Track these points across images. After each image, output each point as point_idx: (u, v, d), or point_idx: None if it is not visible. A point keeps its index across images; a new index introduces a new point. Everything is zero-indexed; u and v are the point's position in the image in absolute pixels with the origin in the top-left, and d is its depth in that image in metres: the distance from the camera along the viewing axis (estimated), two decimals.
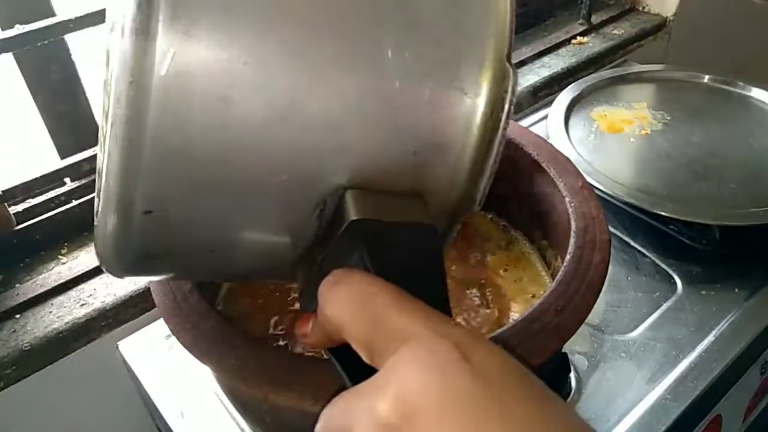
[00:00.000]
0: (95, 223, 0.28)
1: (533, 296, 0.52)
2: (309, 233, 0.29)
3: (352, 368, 0.27)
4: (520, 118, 0.89)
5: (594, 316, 0.59)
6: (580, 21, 1.05)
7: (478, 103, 0.27)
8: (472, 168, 0.29)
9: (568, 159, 0.53)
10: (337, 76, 0.26)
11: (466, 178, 0.29)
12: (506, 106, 0.28)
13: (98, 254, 0.29)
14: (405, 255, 0.27)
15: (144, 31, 0.23)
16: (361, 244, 0.27)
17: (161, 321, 0.55)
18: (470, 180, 0.29)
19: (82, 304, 0.59)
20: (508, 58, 0.28)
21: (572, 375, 0.54)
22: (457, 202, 0.30)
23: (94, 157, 0.66)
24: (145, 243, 0.28)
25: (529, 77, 0.93)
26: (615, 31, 1.04)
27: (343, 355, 0.27)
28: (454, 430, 0.21)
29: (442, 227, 0.31)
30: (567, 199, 0.49)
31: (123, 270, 0.30)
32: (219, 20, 0.24)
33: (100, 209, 0.27)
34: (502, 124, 0.28)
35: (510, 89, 0.28)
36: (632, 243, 0.68)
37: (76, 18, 0.58)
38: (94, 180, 0.66)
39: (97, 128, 0.71)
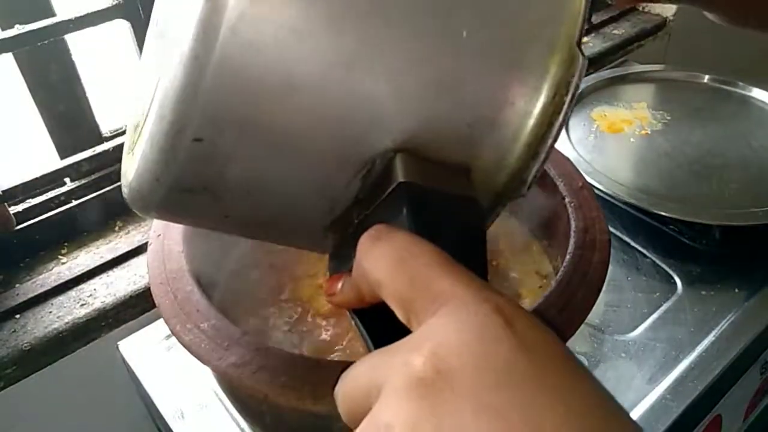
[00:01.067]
0: (131, 154, 0.28)
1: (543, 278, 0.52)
2: (350, 193, 0.29)
3: (377, 332, 0.27)
4: None
5: (594, 316, 0.59)
6: None
7: (543, 85, 0.27)
8: (526, 150, 0.28)
9: (567, 159, 0.53)
10: (406, 39, 0.25)
11: (517, 160, 0.28)
12: (571, 91, 0.27)
13: (131, 187, 0.28)
14: (449, 223, 0.27)
15: None
16: (407, 206, 0.26)
17: (161, 321, 0.55)
18: (522, 162, 0.28)
19: (82, 304, 0.59)
20: (579, 44, 0.27)
21: None
22: (504, 182, 0.29)
23: (94, 157, 0.66)
24: (186, 173, 0.27)
25: None
26: (615, 31, 1.04)
27: (370, 318, 0.27)
28: (490, 392, 0.20)
29: (486, 205, 0.30)
30: (567, 200, 0.49)
31: (154, 204, 0.29)
32: None
33: (144, 138, 0.27)
34: (564, 108, 0.27)
35: (577, 74, 0.27)
36: (632, 243, 0.68)
37: (76, 18, 0.58)
38: (94, 180, 0.67)
39: (97, 128, 0.71)
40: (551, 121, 0.28)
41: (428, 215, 0.26)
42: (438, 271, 0.24)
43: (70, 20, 0.57)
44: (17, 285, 0.61)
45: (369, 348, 0.27)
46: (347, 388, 0.25)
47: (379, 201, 0.27)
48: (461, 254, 0.25)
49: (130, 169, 0.28)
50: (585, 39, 1.02)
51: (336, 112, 0.26)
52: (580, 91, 0.28)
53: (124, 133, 0.70)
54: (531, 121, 0.27)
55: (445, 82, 0.26)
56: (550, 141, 0.28)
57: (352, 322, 0.29)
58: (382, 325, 0.25)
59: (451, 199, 0.27)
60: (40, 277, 0.62)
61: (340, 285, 0.28)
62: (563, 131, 0.75)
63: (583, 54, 0.27)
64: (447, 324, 0.22)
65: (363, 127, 0.27)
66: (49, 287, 0.60)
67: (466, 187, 0.28)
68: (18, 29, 0.56)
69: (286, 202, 0.30)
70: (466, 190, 0.28)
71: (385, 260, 0.25)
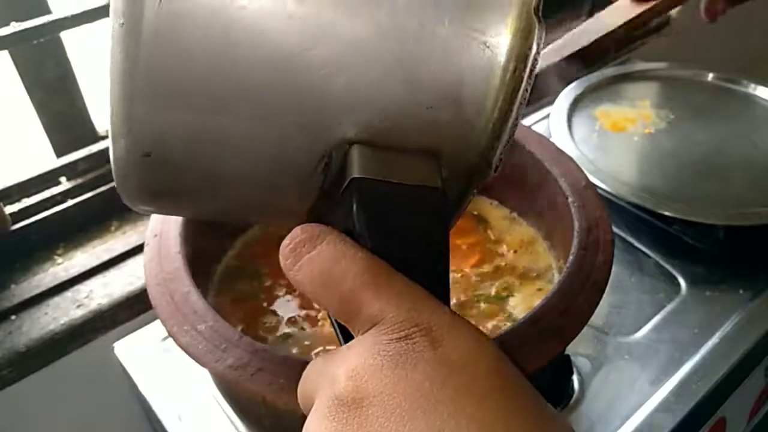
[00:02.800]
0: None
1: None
2: (314, 186, 0.28)
3: (345, 328, 0.26)
4: (522, 117, 0.88)
5: (597, 317, 0.59)
6: (583, 18, 1.04)
7: (500, 58, 0.25)
8: (489, 130, 0.27)
9: (570, 158, 0.53)
10: (348, 16, 0.24)
11: (482, 139, 0.27)
12: (529, 64, 0.26)
13: (116, 184, 0.29)
14: (406, 219, 0.26)
15: None
16: (357, 204, 0.25)
17: (158, 322, 0.55)
18: (487, 142, 0.27)
19: (78, 305, 0.59)
20: (536, 10, 0.26)
21: (575, 377, 0.54)
22: (471, 165, 0.28)
23: (90, 156, 0.65)
24: (148, 183, 0.27)
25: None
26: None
27: None
28: (401, 419, 0.20)
29: (454, 192, 0.29)
30: (570, 199, 0.48)
31: (133, 204, 0.29)
32: None
33: (110, 143, 0.27)
34: (524, 83, 0.26)
35: (534, 45, 0.25)
36: (636, 243, 0.67)
37: (72, 16, 0.57)
38: (90, 179, 0.67)
39: (93, 127, 0.71)
40: (512, 97, 0.26)
41: (380, 214, 0.25)
42: (367, 294, 0.23)
43: (65, 18, 0.57)
44: (12, 286, 0.60)
45: (338, 338, 0.27)
46: (300, 388, 0.25)
47: (337, 196, 0.26)
48: (417, 255, 0.25)
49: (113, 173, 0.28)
50: None
51: (283, 105, 0.25)
52: (536, 68, 0.26)
53: None
54: (491, 100, 0.26)
55: (395, 62, 0.25)
56: (512, 119, 0.27)
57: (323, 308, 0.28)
58: None
59: (410, 192, 0.26)
60: (36, 277, 0.61)
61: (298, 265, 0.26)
62: (566, 130, 0.75)
63: (540, 21, 0.25)
64: (370, 346, 0.22)
65: (313, 119, 0.26)
66: (45, 288, 0.60)
67: (432, 173, 0.27)
68: (14, 27, 0.55)
69: (257, 195, 0.29)
70: (430, 179, 0.26)
71: (309, 282, 0.24)
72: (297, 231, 0.25)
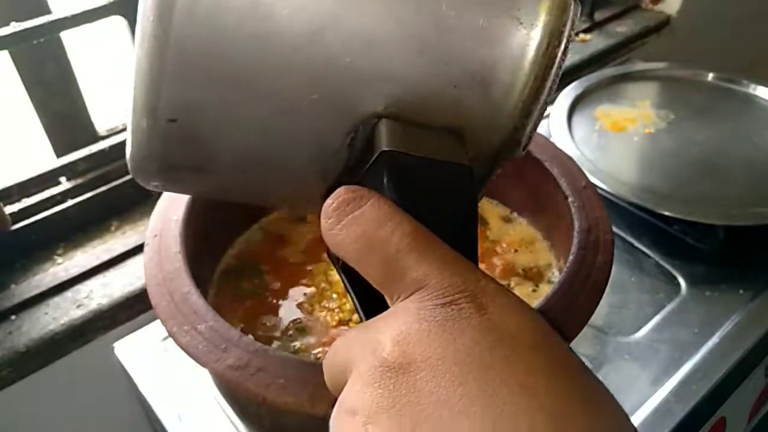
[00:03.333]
0: (129, 129, 0.27)
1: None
2: (339, 162, 0.27)
3: (365, 295, 0.26)
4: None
5: (597, 317, 0.59)
6: (583, 18, 1.04)
7: (533, 35, 0.25)
8: (519, 108, 0.26)
9: (570, 158, 0.53)
10: None
11: (511, 118, 0.26)
12: (564, 41, 0.25)
13: (129, 161, 0.28)
14: (435, 193, 0.25)
15: None
16: (387, 176, 0.25)
17: (158, 322, 0.55)
18: (516, 121, 0.26)
19: (78, 305, 0.59)
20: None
21: None
22: (499, 143, 0.27)
23: (90, 156, 0.65)
24: (171, 153, 0.27)
25: None
26: (618, 29, 1.04)
27: (360, 287, 0.26)
28: (450, 386, 0.20)
29: (481, 169, 0.28)
30: (570, 199, 0.48)
31: (150, 178, 0.29)
32: None
33: (128, 118, 0.27)
34: (557, 61, 0.25)
35: (569, 22, 0.25)
36: (636, 243, 0.67)
37: (72, 15, 0.57)
38: (90, 179, 0.67)
39: (92, 127, 0.71)
40: (544, 76, 0.25)
41: (411, 186, 0.25)
42: (411, 257, 0.23)
43: (66, 18, 0.57)
44: (12, 286, 0.60)
45: (355, 306, 0.27)
46: (328, 362, 0.24)
47: (364, 170, 0.26)
48: (447, 227, 0.24)
49: (128, 143, 0.28)
50: (588, 36, 1.01)
51: (312, 80, 0.25)
52: (570, 46, 0.26)
53: (120, 132, 0.69)
54: (522, 77, 0.25)
55: (426, 38, 0.25)
56: (543, 97, 0.26)
57: (343, 281, 0.27)
58: (374, 295, 0.24)
59: (438, 167, 0.25)
60: (36, 277, 0.61)
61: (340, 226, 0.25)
62: (566, 130, 0.75)
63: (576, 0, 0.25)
64: (416, 311, 0.22)
65: (342, 94, 0.25)
66: (45, 288, 0.60)
67: (458, 152, 0.26)
68: (14, 27, 0.55)
69: (278, 175, 0.29)
70: (457, 156, 0.26)
71: (352, 242, 0.24)
72: (341, 191, 0.24)
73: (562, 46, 0.25)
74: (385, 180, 0.25)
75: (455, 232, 0.25)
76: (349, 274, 0.26)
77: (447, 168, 0.26)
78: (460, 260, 0.23)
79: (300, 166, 0.28)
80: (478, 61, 0.25)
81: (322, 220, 0.25)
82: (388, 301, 0.24)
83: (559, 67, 0.25)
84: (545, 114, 0.83)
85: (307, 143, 0.27)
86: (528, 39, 0.25)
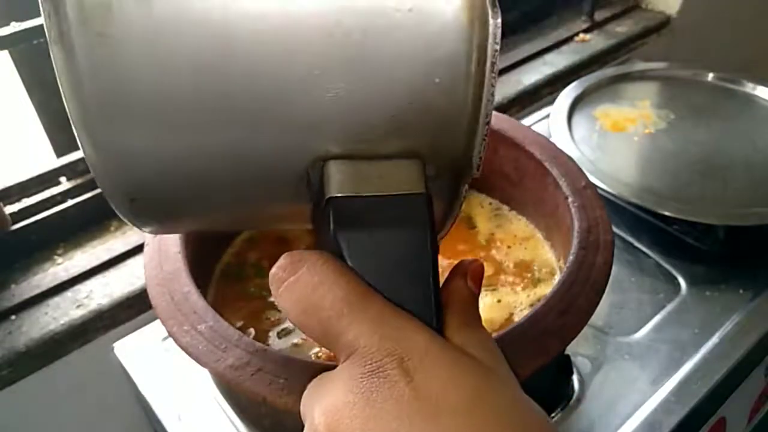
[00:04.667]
0: None
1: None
2: (304, 202, 0.27)
3: None
4: (522, 117, 0.88)
5: (597, 317, 0.58)
6: (583, 18, 1.04)
7: (459, 54, 0.24)
8: (463, 129, 0.25)
9: (570, 158, 0.53)
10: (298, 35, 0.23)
11: (456, 139, 0.26)
12: (489, 57, 0.24)
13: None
14: (387, 233, 0.25)
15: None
16: (334, 226, 0.24)
17: (158, 322, 0.55)
18: (461, 141, 0.26)
19: (78, 306, 0.59)
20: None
21: (575, 377, 0.54)
22: (454, 159, 0.26)
23: None
24: (145, 216, 0.28)
25: (532, 75, 0.92)
26: (618, 29, 1.04)
27: None
28: None
29: (445, 192, 0.28)
30: (570, 200, 0.48)
31: (142, 229, 0.30)
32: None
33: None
34: (487, 76, 0.24)
35: (491, 36, 0.24)
36: (636, 243, 0.67)
37: None
38: (90, 179, 0.66)
39: None
40: (478, 93, 0.25)
41: (359, 231, 0.25)
42: (344, 321, 0.23)
43: None
44: (12, 286, 0.60)
45: None
46: (300, 408, 0.25)
47: (319, 216, 0.26)
48: (399, 273, 0.24)
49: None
50: (588, 37, 1.01)
51: (249, 127, 0.24)
52: (498, 60, 0.25)
53: None
54: (458, 97, 0.25)
55: (354, 73, 0.24)
56: (482, 115, 0.25)
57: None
58: None
59: (388, 203, 0.25)
60: (36, 277, 0.61)
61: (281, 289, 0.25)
62: (566, 130, 0.75)
63: (494, 8, 0.24)
64: (345, 381, 0.22)
65: (280, 138, 0.25)
66: (45, 288, 0.60)
67: (414, 178, 0.26)
68: (14, 26, 0.55)
69: (264, 214, 0.29)
70: (412, 183, 0.25)
71: (291, 309, 0.24)
72: (282, 258, 0.25)
73: (489, 61, 0.24)
74: (330, 229, 0.25)
75: (407, 279, 0.24)
76: None
77: (398, 201, 0.25)
78: (394, 318, 0.23)
79: (270, 206, 0.28)
80: (409, 87, 0.24)
81: (270, 278, 0.25)
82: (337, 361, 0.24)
83: (492, 80, 0.25)
84: (546, 114, 0.83)
85: (266, 188, 0.27)
86: (455, 58, 0.24)
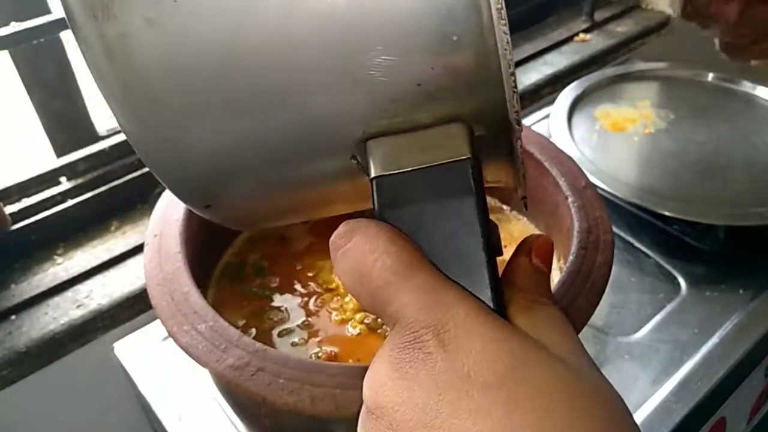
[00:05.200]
0: None
1: None
2: (364, 183, 0.27)
3: None
4: (522, 117, 0.88)
5: (597, 317, 0.58)
6: (583, 18, 1.04)
7: (468, 5, 0.23)
8: (494, 79, 0.24)
9: (570, 158, 0.53)
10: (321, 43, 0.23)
11: (490, 93, 0.25)
12: (496, 9, 0.23)
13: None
14: (430, 207, 0.25)
15: None
16: (378, 205, 0.25)
17: (158, 322, 0.55)
18: (497, 93, 0.25)
19: (78, 305, 0.59)
20: None
21: None
22: (495, 119, 0.26)
23: (90, 156, 0.65)
24: (225, 217, 0.30)
25: (532, 75, 0.92)
26: (618, 29, 1.04)
27: None
28: (407, 428, 0.20)
29: (499, 149, 0.27)
30: (570, 199, 0.48)
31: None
32: None
33: None
34: (496, 22, 0.23)
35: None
36: (636, 243, 0.67)
37: None
38: (90, 179, 0.67)
39: (93, 127, 0.71)
40: (494, 41, 0.24)
41: (402, 208, 0.25)
42: (390, 290, 0.23)
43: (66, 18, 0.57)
44: (12, 286, 0.60)
45: None
46: None
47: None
48: (445, 243, 0.24)
49: None
50: (588, 36, 1.01)
51: (287, 127, 0.25)
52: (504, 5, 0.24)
53: (119, 132, 0.69)
54: (479, 48, 0.24)
55: (366, 51, 0.23)
56: (504, 63, 0.24)
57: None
58: None
59: (432, 173, 0.25)
60: (36, 277, 0.61)
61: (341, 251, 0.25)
62: (566, 130, 0.75)
63: None
64: (388, 352, 0.22)
65: (317, 131, 0.25)
66: (45, 288, 0.60)
67: (458, 143, 0.25)
68: (14, 27, 0.55)
69: (326, 196, 0.30)
70: (456, 149, 0.25)
71: (345, 276, 0.24)
72: (342, 225, 0.25)
73: (502, 15, 0.23)
74: (376, 208, 0.25)
75: (456, 246, 0.24)
76: None
77: (441, 171, 0.25)
78: (438, 287, 0.23)
79: (335, 192, 0.29)
80: (426, 51, 0.24)
81: (331, 245, 0.25)
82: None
83: (505, 32, 0.24)
84: (546, 114, 0.83)
85: (326, 177, 0.28)
86: (474, 13, 0.23)
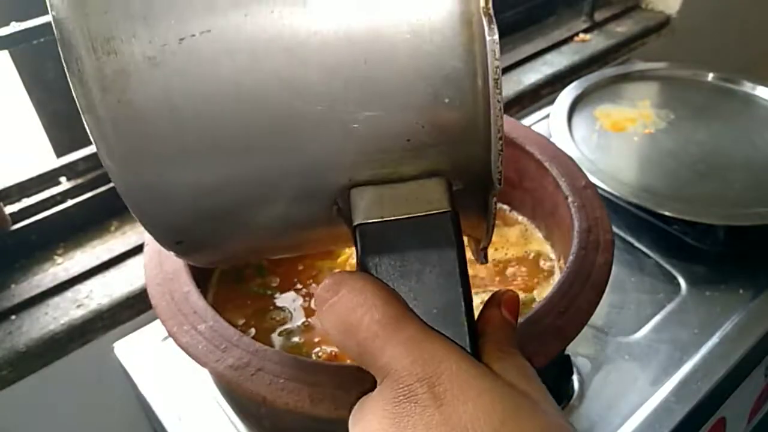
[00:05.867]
0: None
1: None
2: (341, 229, 0.28)
3: None
4: (522, 117, 0.88)
5: (597, 317, 0.58)
6: (583, 18, 1.04)
7: (463, 71, 0.24)
8: (480, 141, 0.25)
9: (570, 158, 0.53)
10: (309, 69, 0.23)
11: (475, 153, 0.26)
12: (491, 69, 0.24)
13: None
14: (412, 256, 0.25)
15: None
16: (362, 251, 0.25)
17: (158, 322, 0.55)
18: (481, 153, 0.26)
19: (78, 305, 0.59)
20: (486, 10, 0.23)
21: (575, 377, 0.54)
22: (479, 173, 0.27)
23: (89, 157, 0.65)
24: (199, 257, 0.30)
25: (531, 75, 0.92)
26: (618, 29, 1.04)
27: None
28: None
29: (474, 205, 0.28)
30: (570, 200, 0.48)
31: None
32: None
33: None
34: (491, 91, 0.24)
35: (490, 52, 0.24)
36: (636, 243, 0.67)
37: None
38: (90, 179, 0.66)
39: None
40: (487, 106, 0.25)
41: (386, 255, 0.25)
42: (378, 343, 0.23)
43: None
44: (12, 286, 0.60)
45: None
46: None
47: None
48: (430, 290, 0.24)
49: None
50: (588, 36, 1.01)
51: (273, 169, 0.25)
52: (501, 76, 0.25)
53: None
54: (469, 113, 0.25)
55: (364, 103, 0.24)
56: (494, 129, 0.25)
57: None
58: None
59: (414, 223, 0.26)
60: (36, 277, 0.61)
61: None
62: (566, 130, 0.75)
63: (491, 24, 0.23)
64: (379, 406, 0.22)
65: (303, 175, 0.26)
66: (45, 288, 0.60)
67: (439, 196, 0.26)
68: (14, 27, 0.55)
69: (300, 239, 0.30)
70: (437, 202, 0.26)
71: (333, 329, 0.25)
72: (327, 278, 0.26)
73: (491, 75, 0.24)
74: (358, 253, 0.25)
75: (439, 289, 0.25)
76: None
77: (423, 222, 0.26)
78: (427, 340, 0.23)
79: (311, 237, 0.29)
80: (419, 110, 0.24)
81: (315, 299, 0.26)
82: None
83: (499, 90, 0.24)
84: (545, 114, 0.83)
85: (301, 222, 0.28)
86: (458, 78, 0.24)
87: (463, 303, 0.25)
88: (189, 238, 0.28)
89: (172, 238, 0.28)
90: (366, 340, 0.23)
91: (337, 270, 0.52)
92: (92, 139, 0.24)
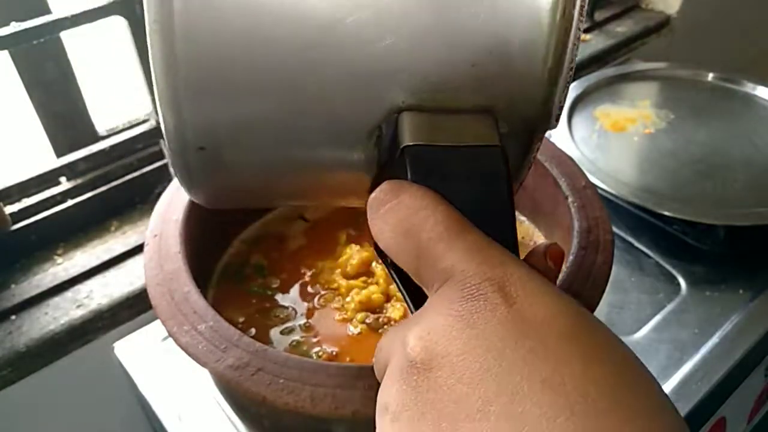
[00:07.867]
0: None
1: None
2: (371, 162, 0.27)
3: (416, 296, 0.25)
4: None
5: (597, 317, 0.58)
6: (583, 18, 1.04)
7: (548, 2, 0.23)
8: (546, 77, 0.25)
9: (570, 158, 0.53)
10: None
11: (538, 90, 0.25)
12: (578, 3, 0.24)
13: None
14: (464, 181, 0.25)
15: None
16: (412, 172, 0.24)
17: (158, 322, 0.55)
18: (543, 91, 0.25)
19: (78, 305, 0.59)
20: None
21: None
22: (530, 117, 0.26)
23: (90, 156, 0.65)
24: (206, 176, 0.28)
25: None
26: (618, 29, 1.04)
27: (409, 283, 0.25)
28: (472, 382, 0.19)
29: (518, 146, 0.27)
30: (570, 199, 0.48)
31: (197, 198, 0.30)
32: None
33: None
34: (574, 23, 0.24)
35: None
36: (636, 243, 0.67)
37: (72, 15, 0.57)
38: (90, 179, 0.67)
39: (92, 127, 0.71)
40: (564, 42, 0.24)
41: (436, 179, 0.24)
42: (442, 245, 0.23)
43: (66, 18, 0.57)
44: (13, 286, 0.60)
45: (406, 302, 0.26)
46: (375, 359, 0.25)
47: (393, 168, 0.26)
48: (479, 215, 0.24)
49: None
50: (587, 36, 1.01)
51: (321, 80, 0.24)
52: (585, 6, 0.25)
53: (120, 131, 0.69)
54: (541, 47, 0.24)
55: (436, 21, 0.24)
56: (566, 63, 0.25)
57: (392, 276, 0.27)
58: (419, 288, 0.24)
59: (465, 153, 0.25)
60: (36, 277, 0.61)
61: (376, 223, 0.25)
62: (566, 130, 0.75)
63: None
64: (441, 305, 0.21)
65: (355, 90, 0.25)
66: (45, 288, 0.60)
67: (488, 132, 0.25)
68: (14, 27, 0.55)
69: (323, 178, 0.29)
70: (487, 137, 0.25)
71: (390, 230, 0.24)
72: (385, 184, 0.25)
73: (577, 7, 0.24)
74: (408, 176, 0.25)
75: (488, 218, 0.24)
76: (398, 269, 0.25)
77: (474, 152, 0.25)
78: (491, 247, 0.23)
79: (331, 170, 0.28)
80: (492, 35, 0.24)
81: (368, 206, 0.25)
82: (427, 293, 0.24)
83: (578, 29, 0.24)
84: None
85: (333, 147, 0.27)
86: (541, 6, 0.24)
87: (513, 235, 0.25)
88: (214, 145, 0.26)
89: (200, 137, 0.26)
90: (430, 240, 0.23)
91: (337, 269, 0.52)
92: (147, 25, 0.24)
